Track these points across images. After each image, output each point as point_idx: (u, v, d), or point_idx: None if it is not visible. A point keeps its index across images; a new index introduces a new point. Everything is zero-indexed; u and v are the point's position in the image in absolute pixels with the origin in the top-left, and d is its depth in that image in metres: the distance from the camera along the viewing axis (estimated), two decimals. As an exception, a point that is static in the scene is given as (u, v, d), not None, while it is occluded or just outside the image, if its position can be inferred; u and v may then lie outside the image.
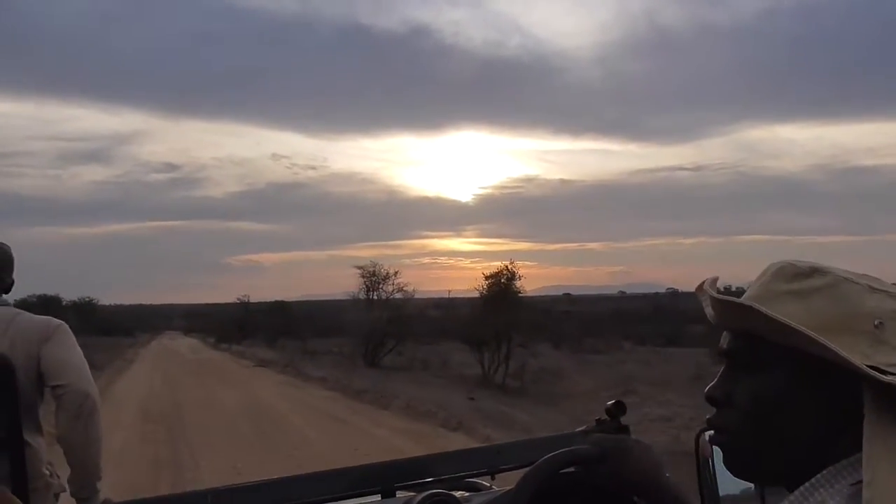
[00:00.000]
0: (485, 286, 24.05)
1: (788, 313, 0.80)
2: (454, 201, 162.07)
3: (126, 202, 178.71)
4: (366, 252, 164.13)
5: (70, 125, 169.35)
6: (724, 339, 0.89)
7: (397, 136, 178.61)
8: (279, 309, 64.31)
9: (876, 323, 0.79)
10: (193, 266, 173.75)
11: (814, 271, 0.83)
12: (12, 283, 2.60)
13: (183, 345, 55.92)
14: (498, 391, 20.04)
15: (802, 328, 0.77)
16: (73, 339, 2.60)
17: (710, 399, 0.88)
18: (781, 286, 0.83)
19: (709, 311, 0.91)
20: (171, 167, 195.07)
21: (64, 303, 71.24)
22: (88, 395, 2.47)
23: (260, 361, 30.79)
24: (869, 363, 0.77)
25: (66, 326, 2.60)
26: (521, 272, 23.30)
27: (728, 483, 1.18)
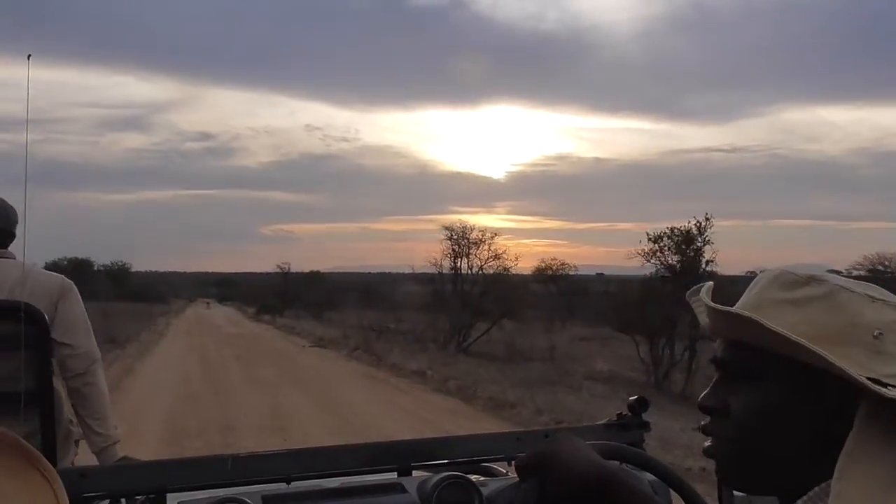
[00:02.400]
0: (668, 255, 17.15)
1: (785, 323, 0.76)
2: (486, 177, 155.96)
3: (162, 170, 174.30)
4: (397, 226, 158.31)
5: (109, 92, 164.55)
6: (719, 348, 0.84)
7: (431, 109, 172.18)
8: (316, 279, 59.75)
9: (875, 333, 0.74)
10: (227, 235, 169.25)
11: (811, 280, 0.79)
12: (13, 236, 2.44)
13: (219, 314, 49.74)
14: (687, 407, 13.38)
15: (802, 340, 0.73)
16: (81, 299, 2.49)
17: (704, 408, 0.84)
18: (778, 294, 0.79)
19: (703, 319, 0.87)
20: (206, 136, 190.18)
21: (96, 267, 66.62)
22: (95, 358, 2.46)
23: (316, 340, 24.38)
24: (868, 375, 0.72)
25: (75, 286, 2.51)
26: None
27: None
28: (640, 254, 17.61)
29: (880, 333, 0.75)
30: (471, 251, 21.85)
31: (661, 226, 19.64)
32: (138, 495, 1.28)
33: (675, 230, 17.16)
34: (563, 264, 42.40)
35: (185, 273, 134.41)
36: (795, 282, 0.79)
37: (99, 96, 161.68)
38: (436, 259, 22.46)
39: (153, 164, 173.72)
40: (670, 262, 17.19)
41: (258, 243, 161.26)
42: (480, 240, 21.72)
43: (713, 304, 0.82)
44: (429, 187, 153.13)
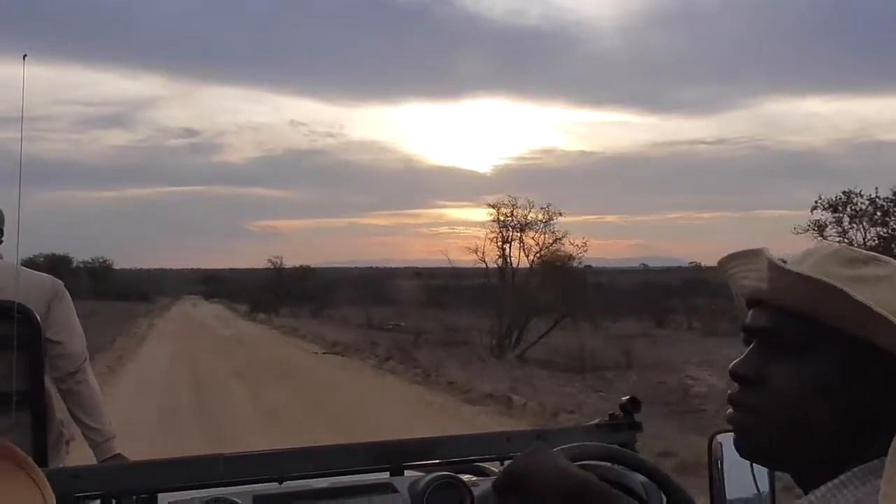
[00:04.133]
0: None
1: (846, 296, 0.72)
2: (472, 171, 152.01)
3: (146, 167, 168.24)
4: (383, 220, 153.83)
5: (91, 89, 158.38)
6: (760, 316, 0.78)
7: (416, 103, 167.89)
8: (307, 275, 55.34)
9: None
10: (212, 231, 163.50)
11: (872, 259, 0.76)
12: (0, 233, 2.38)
13: (208, 312, 44.64)
14: None
15: (889, 315, 0.68)
16: (71, 300, 2.42)
17: (739, 376, 0.78)
18: (841, 270, 0.74)
19: (746, 283, 0.81)
20: (190, 132, 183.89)
21: (74, 264, 61.31)
22: (85, 356, 2.40)
23: (328, 345, 19.59)
24: None
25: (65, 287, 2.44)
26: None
27: (736, 486, 1.11)
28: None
29: None
30: (523, 234, 17.09)
31: (648, 218, 16.18)
32: (130, 495, 1.24)
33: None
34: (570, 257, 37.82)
35: (170, 270, 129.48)
36: (856, 259, 0.75)
37: (81, 93, 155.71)
38: (477, 247, 17.71)
39: (137, 161, 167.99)
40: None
41: (244, 239, 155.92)
42: (541, 220, 16.91)
43: (790, 267, 0.75)
44: (415, 182, 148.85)
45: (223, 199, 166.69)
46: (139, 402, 10.39)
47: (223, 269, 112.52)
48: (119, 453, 2.36)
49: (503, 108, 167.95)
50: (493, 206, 17.15)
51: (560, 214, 16.83)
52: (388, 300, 45.69)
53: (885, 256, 0.77)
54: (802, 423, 0.74)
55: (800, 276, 0.74)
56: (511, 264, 17.34)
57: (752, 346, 0.79)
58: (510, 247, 17.26)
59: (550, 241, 16.87)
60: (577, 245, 16.88)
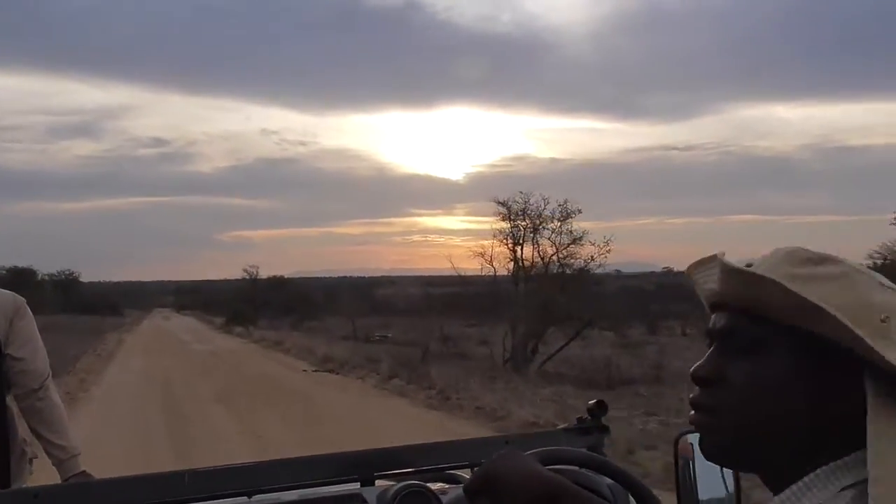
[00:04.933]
0: None
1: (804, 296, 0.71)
2: (444, 179, 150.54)
3: (114, 177, 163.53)
4: (357, 229, 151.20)
5: (58, 99, 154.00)
6: (719, 319, 0.78)
7: (388, 111, 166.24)
8: (282, 285, 53.26)
9: (882, 317, 0.70)
10: (183, 242, 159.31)
11: (825, 259, 0.74)
12: None
13: (181, 326, 42.04)
14: None
15: (827, 307, 0.69)
16: (33, 315, 2.36)
17: (699, 378, 0.76)
18: (793, 270, 0.73)
19: (708, 287, 0.81)
20: (160, 142, 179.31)
21: (39, 277, 58.29)
22: (48, 373, 2.31)
23: (318, 361, 17.49)
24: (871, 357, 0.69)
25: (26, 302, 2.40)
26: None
27: (707, 487, 1.10)
28: None
29: (887, 318, 0.70)
30: (538, 233, 15.14)
31: (620, 224, 14.79)
32: None
33: None
34: (591, 259, 36.28)
35: (140, 282, 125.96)
36: (809, 259, 0.74)
37: (46, 103, 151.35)
38: (483, 249, 15.76)
39: (105, 171, 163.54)
40: None
41: (216, 250, 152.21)
42: (558, 219, 14.96)
43: (734, 265, 0.75)
44: (388, 190, 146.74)
45: (194, 209, 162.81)
46: (101, 441, 8.25)
47: (195, 281, 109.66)
48: (84, 471, 2.27)
49: (475, 115, 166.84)
50: (503, 203, 15.21)
51: (579, 212, 14.96)
52: (370, 310, 43.70)
53: (841, 257, 0.75)
54: (760, 422, 0.72)
55: (741, 272, 0.74)
56: (524, 268, 15.40)
57: (711, 348, 0.77)
58: (522, 249, 15.33)
59: (567, 242, 14.94)
60: (598, 247, 15.00)
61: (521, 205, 14.97)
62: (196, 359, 19.58)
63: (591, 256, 15.00)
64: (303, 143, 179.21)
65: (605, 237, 15.07)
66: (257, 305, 43.18)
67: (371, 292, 64.48)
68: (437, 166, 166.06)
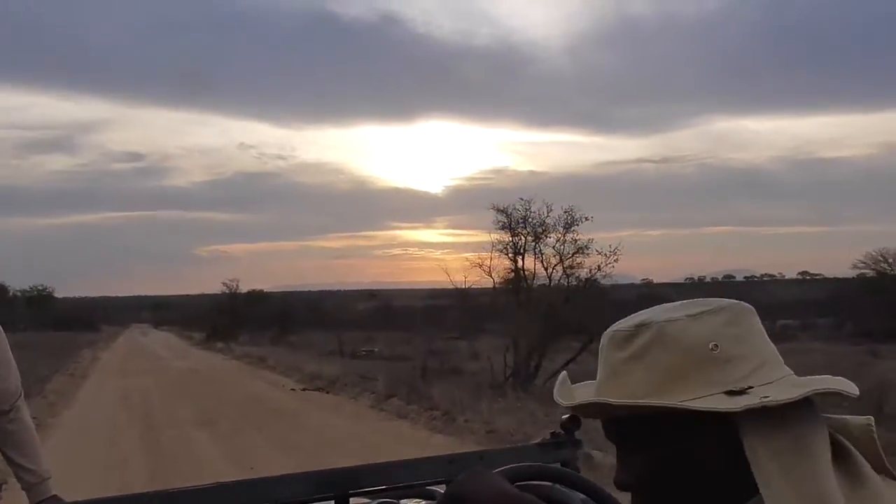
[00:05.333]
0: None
1: (634, 380, 0.73)
2: (424, 192, 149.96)
3: (90, 192, 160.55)
4: (336, 243, 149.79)
5: (31, 113, 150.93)
6: (604, 430, 0.79)
7: (367, 125, 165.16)
8: (261, 300, 52.08)
9: (711, 346, 0.72)
10: (161, 257, 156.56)
11: (638, 328, 0.74)
12: None
13: (158, 341, 40.61)
14: None
15: (641, 401, 0.70)
16: (4, 333, 2.26)
17: (619, 486, 0.78)
18: (620, 354, 0.75)
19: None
20: (135, 157, 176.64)
21: (11, 293, 56.54)
22: (19, 393, 2.22)
23: (306, 378, 16.44)
24: (724, 389, 0.70)
25: None
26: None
27: None
28: None
29: (715, 345, 0.72)
30: (540, 242, 14.26)
31: (598, 236, 14.28)
32: None
33: None
34: (598, 268, 35.44)
35: (117, 298, 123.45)
36: (627, 336, 0.75)
37: (19, 117, 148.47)
38: (481, 260, 14.86)
39: (80, 187, 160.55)
40: None
41: (193, 265, 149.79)
42: (563, 225, 14.08)
43: (564, 404, 0.79)
44: (367, 203, 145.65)
45: (171, 223, 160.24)
46: (71, 476, 7.20)
47: (173, 296, 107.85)
48: (55, 495, 2.18)
49: (454, 129, 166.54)
50: (503, 211, 14.33)
51: (587, 219, 14.11)
52: (353, 323, 42.62)
53: (651, 315, 0.75)
54: (680, 498, 0.73)
55: (571, 408, 0.78)
56: (525, 279, 14.52)
57: (617, 455, 0.78)
58: (523, 259, 14.44)
59: (572, 250, 14.08)
60: (605, 256, 14.16)
61: (522, 213, 14.11)
62: (176, 377, 18.43)
63: (598, 266, 14.16)
64: (281, 157, 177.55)
65: (610, 246, 14.26)
66: (238, 320, 41.98)
67: (353, 306, 63.46)
68: (417, 180, 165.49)
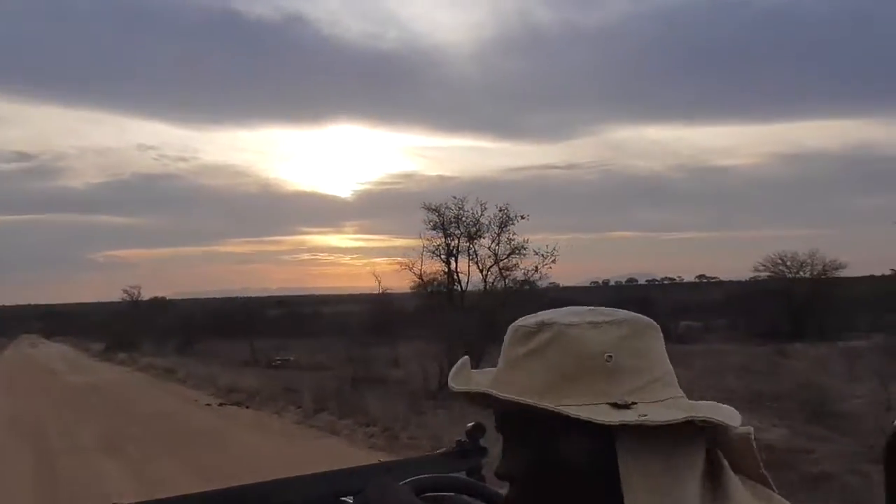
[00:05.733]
0: None
1: (527, 375, 0.74)
2: (333, 196, 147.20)
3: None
4: (242, 248, 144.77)
5: None
6: (495, 420, 0.81)
7: (273, 128, 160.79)
8: (163, 307, 49.60)
9: (606, 357, 0.73)
10: (51, 263, 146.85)
11: (541, 326, 0.75)
12: None
13: (52, 354, 37.52)
14: None
15: (520, 398, 0.72)
16: None
17: (499, 476, 0.79)
18: (519, 349, 0.76)
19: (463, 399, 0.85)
20: (24, 156, 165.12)
21: None
22: None
23: (222, 391, 15.10)
24: (608, 400, 0.71)
25: None
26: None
27: None
28: None
29: (610, 356, 0.72)
30: (474, 243, 13.57)
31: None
32: None
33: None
34: (535, 269, 35.03)
35: (2, 307, 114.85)
36: (528, 333, 0.76)
37: None
38: (410, 264, 14.04)
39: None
40: None
41: (89, 271, 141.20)
42: (497, 224, 13.41)
43: (458, 388, 0.80)
44: (274, 208, 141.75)
45: (63, 227, 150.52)
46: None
47: (67, 304, 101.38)
48: None
49: (361, 132, 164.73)
50: (434, 210, 13.55)
51: (522, 217, 13.53)
52: (260, 332, 40.81)
53: (555, 315, 0.76)
54: (554, 500, 0.74)
55: (462, 393, 0.79)
56: (459, 280, 13.80)
57: (502, 446, 0.80)
58: (457, 261, 13.72)
59: (507, 251, 13.46)
60: (542, 256, 13.61)
61: (455, 212, 13.39)
62: (74, 394, 16.64)
63: (536, 267, 13.61)
64: (183, 159, 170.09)
65: (547, 246, 13.75)
66: (140, 329, 39.40)
67: (261, 313, 61.18)
68: (325, 183, 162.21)
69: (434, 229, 13.53)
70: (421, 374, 14.22)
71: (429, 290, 14.92)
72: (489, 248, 13.52)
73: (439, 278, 14.35)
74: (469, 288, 13.98)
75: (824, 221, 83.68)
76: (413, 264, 14.07)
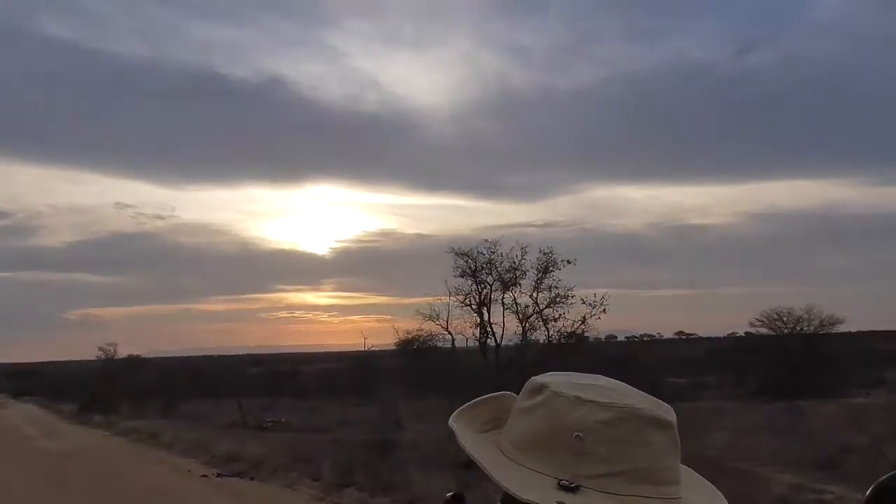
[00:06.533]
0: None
1: (518, 429, 0.77)
2: (311, 254, 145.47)
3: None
4: (219, 306, 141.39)
5: None
6: None
7: (252, 187, 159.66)
8: (139, 366, 47.20)
9: (575, 435, 0.73)
10: (24, 322, 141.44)
11: (542, 387, 0.77)
12: None
13: (20, 415, 34.74)
14: None
15: (481, 463, 0.76)
16: None
17: None
18: (521, 403, 0.79)
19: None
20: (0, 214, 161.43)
21: None
22: None
23: (220, 460, 13.16)
24: (566, 476, 0.72)
25: None
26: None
27: None
28: None
29: (579, 436, 0.73)
30: (510, 291, 12.06)
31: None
32: None
33: None
34: (430, 335, 33.24)
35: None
36: (531, 390, 0.78)
37: None
38: (434, 314, 12.48)
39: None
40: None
41: (61, 330, 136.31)
42: (539, 269, 11.93)
43: (452, 425, 0.82)
44: (252, 266, 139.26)
45: (36, 285, 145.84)
46: None
47: (37, 363, 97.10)
48: None
49: (340, 193, 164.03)
50: (464, 255, 12.07)
51: (569, 262, 12.08)
52: (241, 391, 38.54)
53: (554, 380, 0.77)
54: None
55: (455, 433, 0.81)
56: (493, 333, 12.25)
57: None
58: (489, 311, 12.19)
59: (549, 300, 11.96)
60: (590, 306, 12.10)
61: (487, 256, 11.92)
62: (47, 464, 14.55)
63: (583, 318, 12.09)
64: (161, 217, 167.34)
65: (595, 295, 12.26)
66: (117, 389, 36.86)
67: (241, 372, 58.52)
68: (303, 242, 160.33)
69: (462, 276, 12.02)
70: (433, 436, 12.49)
71: (414, 346, 13.49)
72: (530, 296, 12.00)
73: (424, 335, 12.92)
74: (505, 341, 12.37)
75: (796, 278, 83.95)
76: (436, 315, 12.50)
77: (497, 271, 11.99)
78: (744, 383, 34.81)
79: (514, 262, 11.91)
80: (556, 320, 12.08)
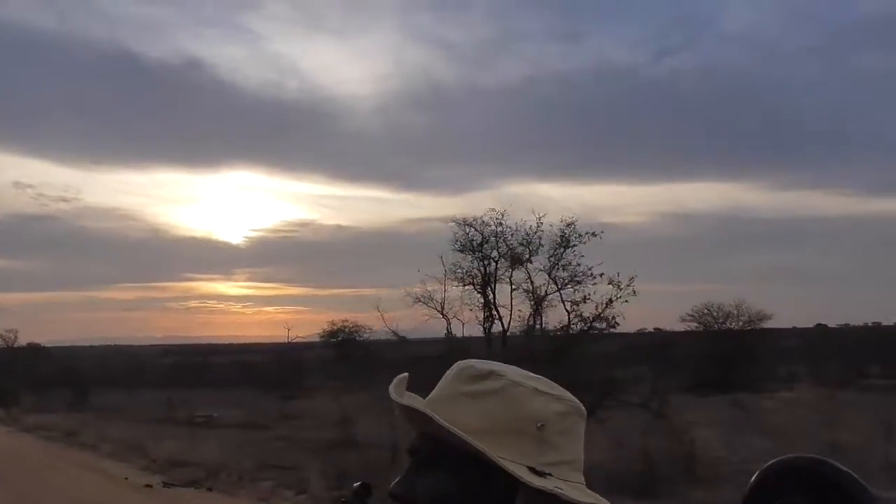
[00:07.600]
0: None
1: (464, 414, 0.77)
2: (224, 243, 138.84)
3: None
4: (126, 294, 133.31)
5: None
6: (412, 437, 0.83)
7: (164, 171, 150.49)
8: (41, 355, 43.45)
9: (538, 425, 0.76)
10: None
11: (490, 374, 0.78)
12: None
13: None
14: None
15: (464, 435, 0.74)
16: None
17: (393, 496, 0.79)
18: (461, 387, 0.79)
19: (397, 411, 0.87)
20: None
21: None
22: None
23: (163, 465, 10.96)
24: (529, 463, 0.74)
25: None
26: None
27: None
28: None
29: (542, 425, 0.75)
30: (519, 267, 10.37)
31: (393, 293, 12.19)
32: None
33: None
34: (356, 327, 31.68)
35: None
36: (476, 376, 0.79)
37: None
38: (427, 294, 10.77)
39: None
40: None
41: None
42: (559, 243, 10.25)
43: (398, 400, 0.80)
44: (162, 253, 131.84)
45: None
46: None
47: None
48: None
49: (258, 179, 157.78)
50: (467, 224, 10.30)
51: (594, 235, 10.45)
52: (152, 383, 35.46)
53: (505, 369, 0.78)
54: None
55: (401, 406, 0.78)
56: (500, 319, 10.58)
57: (408, 465, 0.80)
58: (494, 291, 10.49)
59: (567, 278, 10.32)
60: (617, 286, 10.54)
61: (494, 228, 10.19)
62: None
63: (610, 299, 10.44)
64: (64, 200, 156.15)
65: (618, 274, 10.64)
66: (18, 380, 33.02)
67: (153, 363, 54.65)
68: (217, 230, 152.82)
69: (462, 251, 10.27)
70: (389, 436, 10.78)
71: (339, 337, 11.77)
72: (549, 273, 10.27)
73: (349, 326, 11.21)
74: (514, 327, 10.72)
75: (710, 277, 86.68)
76: (428, 295, 10.78)
77: (506, 244, 10.25)
78: (670, 378, 34.83)
79: (528, 235, 10.20)
80: (581, 302, 10.40)
